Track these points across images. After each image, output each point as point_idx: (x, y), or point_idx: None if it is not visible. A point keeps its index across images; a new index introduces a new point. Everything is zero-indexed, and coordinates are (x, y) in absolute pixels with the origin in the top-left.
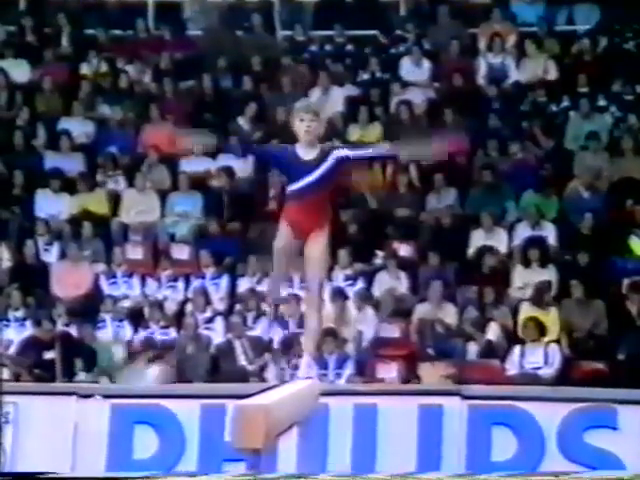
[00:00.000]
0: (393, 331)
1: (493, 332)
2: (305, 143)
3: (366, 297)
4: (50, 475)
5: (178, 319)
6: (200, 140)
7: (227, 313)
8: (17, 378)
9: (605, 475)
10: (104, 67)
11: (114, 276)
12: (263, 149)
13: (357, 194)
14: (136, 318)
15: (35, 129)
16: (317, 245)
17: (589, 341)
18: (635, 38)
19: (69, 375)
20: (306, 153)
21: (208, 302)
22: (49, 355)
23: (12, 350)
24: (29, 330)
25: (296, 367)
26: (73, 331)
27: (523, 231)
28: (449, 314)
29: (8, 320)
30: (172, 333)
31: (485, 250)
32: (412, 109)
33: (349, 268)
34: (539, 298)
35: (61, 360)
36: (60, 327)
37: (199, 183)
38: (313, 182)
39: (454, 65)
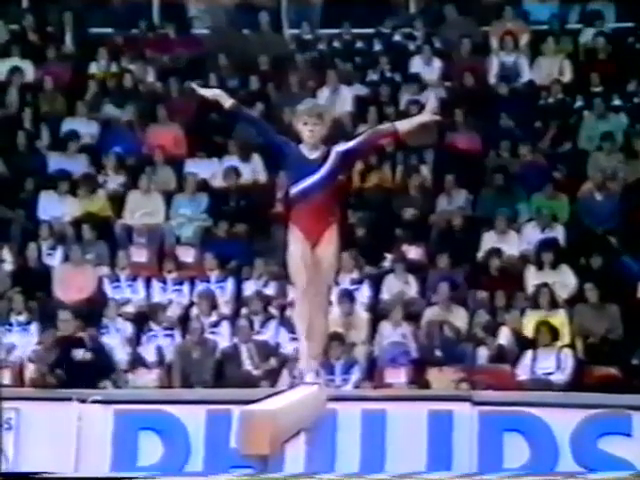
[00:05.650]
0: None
1: (504, 336)
2: (309, 145)
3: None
4: (53, 475)
5: (183, 323)
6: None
7: (233, 317)
8: (41, 377)
9: (613, 476)
10: (109, 67)
11: (118, 279)
12: (275, 137)
13: (366, 195)
14: (140, 322)
15: (38, 130)
16: (329, 248)
17: (603, 346)
18: None
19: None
20: (310, 153)
21: (214, 306)
22: (77, 355)
23: (37, 349)
24: (33, 334)
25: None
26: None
27: (533, 233)
28: (459, 318)
29: (11, 324)
30: (177, 336)
31: (496, 253)
32: (422, 109)
33: (357, 271)
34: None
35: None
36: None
37: (205, 185)
38: (318, 181)
39: (465, 64)
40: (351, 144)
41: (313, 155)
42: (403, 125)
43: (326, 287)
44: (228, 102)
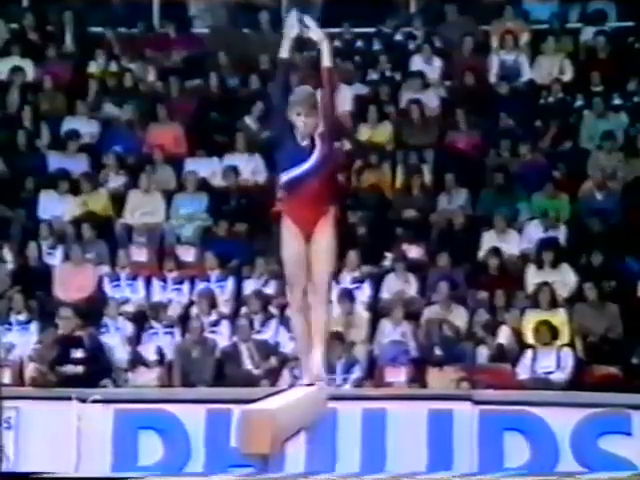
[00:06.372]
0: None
1: (504, 335)
2: (301, 135)
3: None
4: (53, 475)
5: (183, 322)
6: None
7: (233, 316)
8: (41, 376)
9: (613, 475)
10: (109, 66)
11: (118, 278)
12: (285, 116)
13: (366, 195)
14: (140, 321)
15: (39, 129)
16: (323, 238)
17: (603, 345)
18: None
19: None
20: (302, 141)
21: (213, 305)
22: (76, 354)
23: (37, 347)
24: (33, 333)
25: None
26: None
27: (535, 232)
28: (459, 317)
29: (10, 323)
30: (177, 334)
31: (496, 252)
32: (422, 108)
33: (357, 270)
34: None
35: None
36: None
37: (205, 184)
38: (310, 169)
39: (466, 63)
40: (322, 119)
41: (305, 142)
42: (325, 60)
43: (325, 277)
44: (284, 53)
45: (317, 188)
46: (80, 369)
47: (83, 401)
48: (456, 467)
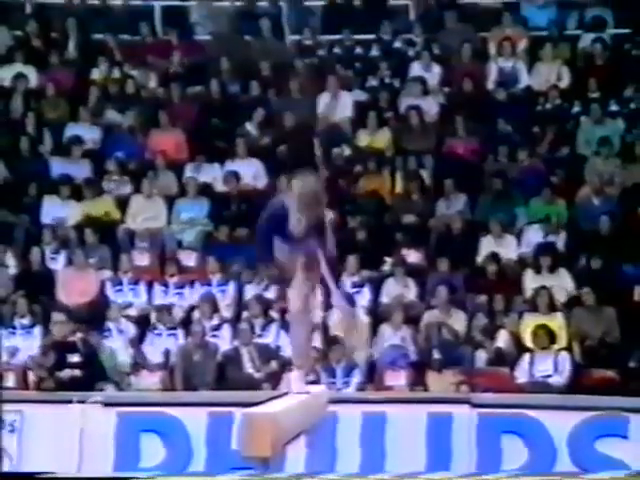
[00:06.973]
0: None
1: (503, 339)
2: (293, 227)
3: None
4: (55, 475)
5: (185, 326)
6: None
7: (234, 320)
8: (39, 382)
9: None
10: (112, 72)
11: (120, 283)
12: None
13: (365, 200)
14: (142, 325)
15: (42, 135)
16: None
17: (600, 349)
18: None
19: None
20: (294, 230)
21: (215, 309)
22: (72, 359)
23: (35, 353)
24: (36, 337)
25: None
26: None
27: (533, 237)
28: (458, 321)
29: (14, 327)
30: (180, 336)
31: (494, 257)
32: (422, 114)
33: (357, 275)
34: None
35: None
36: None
37: (206, 189)
38: (300, 251)
39: (464, 70)
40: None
41: (295, 234)
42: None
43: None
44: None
45: (309, 260)
46: (78, 373)
47: (86, 404)
48: (454, 470)
